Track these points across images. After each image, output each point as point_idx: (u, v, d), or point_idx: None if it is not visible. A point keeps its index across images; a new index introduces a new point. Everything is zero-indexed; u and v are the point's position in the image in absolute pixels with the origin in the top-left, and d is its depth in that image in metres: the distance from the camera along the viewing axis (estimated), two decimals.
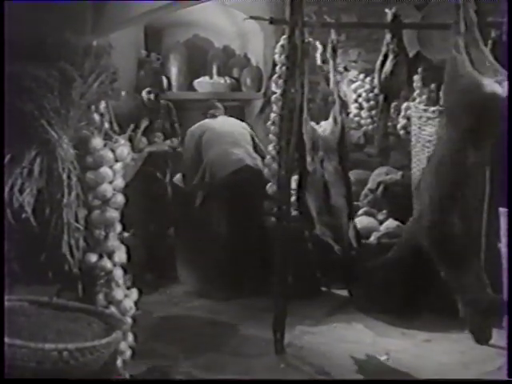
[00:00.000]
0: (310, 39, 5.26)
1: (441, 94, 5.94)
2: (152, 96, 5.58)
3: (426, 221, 3.84)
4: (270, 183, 5.44)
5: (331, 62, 4.87)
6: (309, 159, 4.41)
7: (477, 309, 3.75)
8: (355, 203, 5.33)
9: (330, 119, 4.78)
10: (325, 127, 4.78)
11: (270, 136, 5.57)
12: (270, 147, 5.53)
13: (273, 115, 5.55)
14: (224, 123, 5.83)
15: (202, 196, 5.54)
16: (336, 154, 4.66)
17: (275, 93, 5.46)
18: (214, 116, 5.86)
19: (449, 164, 3.74)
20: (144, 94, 5.58)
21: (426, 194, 3.88)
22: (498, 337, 3.96)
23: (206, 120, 5.82)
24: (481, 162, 3.69)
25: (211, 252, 5.44)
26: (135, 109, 5.52)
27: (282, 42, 5.26)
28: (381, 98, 5.16)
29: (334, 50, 4.78)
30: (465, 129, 3.64)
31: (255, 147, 5.81)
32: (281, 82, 4.97)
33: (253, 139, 5.85)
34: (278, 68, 5.44)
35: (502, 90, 3.43)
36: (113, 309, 3.23)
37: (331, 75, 4.89)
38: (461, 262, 3.76)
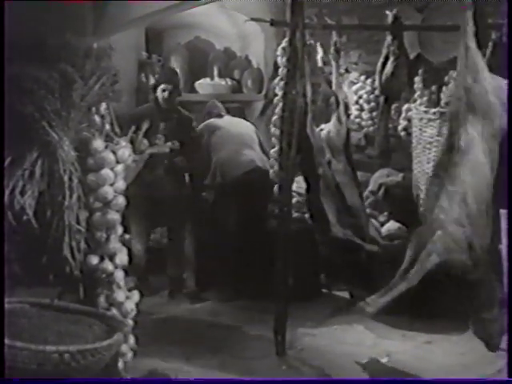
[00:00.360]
0: (311, 41, 5.26)
1: (454, 93, 5.90)
2: (166, 94, 5.44)
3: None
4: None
5: (334, 64, 4.87)
6: (316, 162, 4.40)
7: None
8: None
9: (334, 120, 4.77)
10: (328, 129, 4.77)
11: (273, 139, 5.56)
12: (273, 150, 5.51)
13: (275, 117, 5.55)
14: (231, 123, 5.80)
15: (212, 196, 5.53)
16: (343, 154, 4.66)
17: (277, 95, 5.45)
18: (219, 116, 5.83)
19: (486, 166, 3.50)
20: (159, 92, 5.44)
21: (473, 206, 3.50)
22: None
23: (212, 119, 5.79)
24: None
25: (217, 253, 5.45)
26: (149, 109, 5.40)
27: (283, 44, 5.25)
28: (381, 99, 5.17)
29: (337, 52, 4.78)
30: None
31: (261, 147, 5.80)
32: (282, 84, 4.97)
33: (259, 139, 5.84)
34: (280, 70, 5.43)
35: None
36: (114, 311, 3.22)
37: (334, 76, 4.89)
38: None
